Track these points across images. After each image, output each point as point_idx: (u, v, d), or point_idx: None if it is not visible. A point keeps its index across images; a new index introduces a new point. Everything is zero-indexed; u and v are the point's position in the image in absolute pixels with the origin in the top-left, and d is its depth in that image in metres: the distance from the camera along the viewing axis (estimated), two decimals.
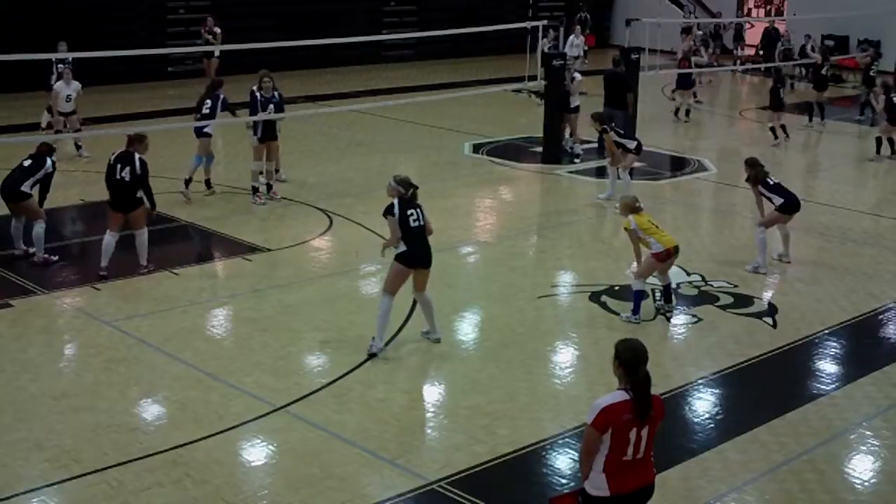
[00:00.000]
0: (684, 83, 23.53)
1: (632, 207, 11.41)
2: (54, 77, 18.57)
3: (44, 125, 19.20)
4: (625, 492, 5.86)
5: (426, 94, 23.33)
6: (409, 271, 10.03)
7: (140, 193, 12.20)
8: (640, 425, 5.80)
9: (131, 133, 12.49)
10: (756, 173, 13.06)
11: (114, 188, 12.16)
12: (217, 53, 23.59)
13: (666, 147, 20.42)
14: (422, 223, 9.99)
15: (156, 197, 12.55)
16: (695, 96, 24.96)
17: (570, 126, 19.54)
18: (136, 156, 12.15)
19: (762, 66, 28.75)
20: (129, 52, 18.87)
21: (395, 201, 9.88)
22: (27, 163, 12.66)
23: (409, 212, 9.89)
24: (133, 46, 21.87)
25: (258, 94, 15.32)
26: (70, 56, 17.71)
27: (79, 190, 15.53)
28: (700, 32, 30.09)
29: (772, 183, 13.00)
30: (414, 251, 9.95)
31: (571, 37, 27.35)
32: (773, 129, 20.97)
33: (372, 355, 10.04)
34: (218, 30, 24.08)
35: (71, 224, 15.02)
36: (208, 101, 15.64)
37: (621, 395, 5.82)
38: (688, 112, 23.41)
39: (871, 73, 24.08)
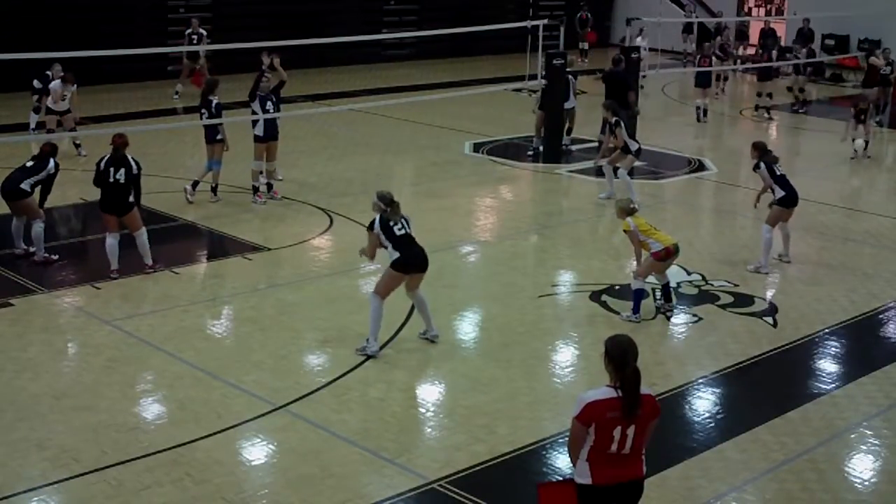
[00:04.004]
0: (704, 81, 23.09)
1: (628, 210, 11.41)
2: (43, 80, 18.42)
3: (33, 125, 19.17)
4: (608, 483, 5.85)
5: (426, 94, 23.32)
6: (405, 277, 10.04)
7: (131, 196, 12.13)
8: (625, 423, 5.78)
9: (116, 136, 12.27)
10: (768, 159, 12.97)
11: (108, 191, 12.08)
12: (201, 55, 23.44)
13: (666, 146, 20.40)
14: (408, 231, 10.00)
15: (156, 196, 12.53)
16: (723, 92, 25.94)
17: (570, 124, 19.58)
18: (129, 157, 12.13)
19: (762, 65, 28.75)
20: (128, 52, 18.84)
21: (377, 217, 9.95)
22: (30, 164, 12.69)
23: (391, 223, 9.93)
24: (132, 46, 21.80)
25: (258, 93, 15.27)
26: (59, 55, 17.34)
27: (79, 189, 15.50)
28: (725, 31, 30.18)
29: (778, 173, 12.96)
30: (407, 258, 9.94)
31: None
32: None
33: (368, 357, 10.03)
34: (203, 31, 23.87)
35: (71, 223, 15.01)
36: (209, 102, 15.36)
37: (609, 392, 5.81)
38: (705, 112, 22.96)
39: None
